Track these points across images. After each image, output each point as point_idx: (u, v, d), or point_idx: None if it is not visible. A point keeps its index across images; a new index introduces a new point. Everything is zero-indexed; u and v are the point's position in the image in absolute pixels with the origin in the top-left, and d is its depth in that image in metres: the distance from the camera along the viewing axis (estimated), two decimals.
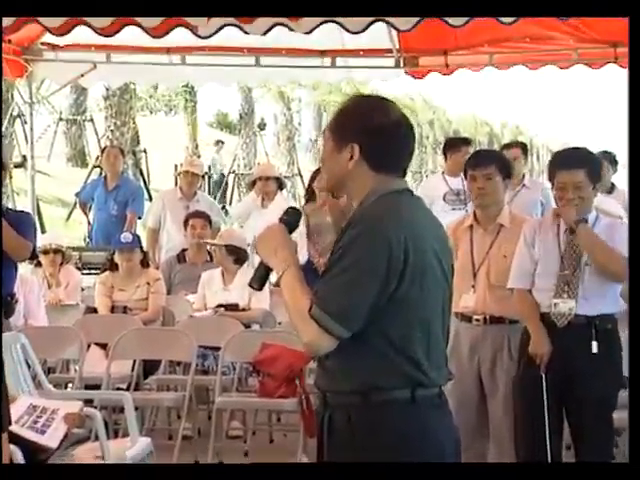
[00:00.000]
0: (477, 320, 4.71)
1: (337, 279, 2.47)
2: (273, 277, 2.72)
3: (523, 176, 7.48)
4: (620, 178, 6.94)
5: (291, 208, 2.77)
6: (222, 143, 24.01)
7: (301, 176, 21.08)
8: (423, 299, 2.52)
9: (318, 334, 2.47)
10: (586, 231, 4.34)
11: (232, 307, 6.63)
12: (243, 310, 6.60)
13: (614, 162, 7.49)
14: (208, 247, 7.43)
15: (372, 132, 2.57)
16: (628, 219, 3.02)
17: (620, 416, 4.99)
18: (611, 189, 7.32)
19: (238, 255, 6.79)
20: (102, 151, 9.60)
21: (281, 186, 8.12)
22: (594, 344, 4.32)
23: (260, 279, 2.68)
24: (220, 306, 6.60)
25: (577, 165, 4.35)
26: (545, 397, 4.34)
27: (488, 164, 4.73)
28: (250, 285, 2.72)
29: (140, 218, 8.84)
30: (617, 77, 7.80)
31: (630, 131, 2.99)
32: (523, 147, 7.69)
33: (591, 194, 4.40)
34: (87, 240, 9.30)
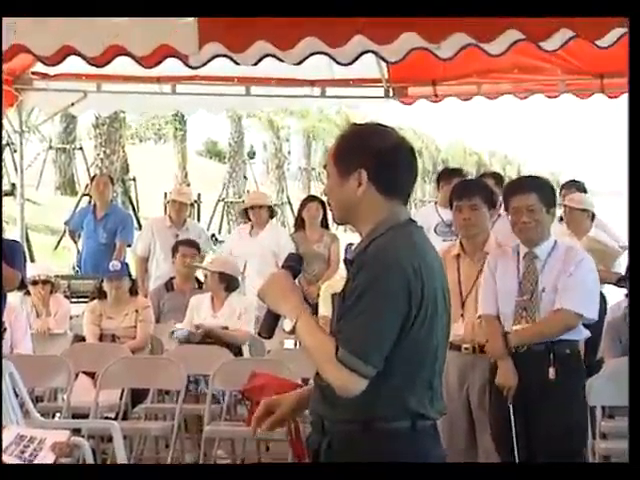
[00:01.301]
0: (466, 349, 4.73)
1: (361, 319, 2.46)
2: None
3: (500, 205, 7.54)
4: (595, 206, 7.00)
5: (293, 254, 2.79)
6: (246, 179, 23.85)
7: (290, 204, 21.15)
8: (431, 332, 2.54)
9: (349, 377, 2.45)
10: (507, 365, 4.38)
11: (223, 329, 6.61)
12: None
13: (583, 190, 7.62)
14: (198, 273, 7.44)
15: (377, 155, 2.59)
16: (628, 219, 3.03)
17: (607, 446, 5.01)
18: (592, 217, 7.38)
19: (229, 283, 6.79)
20: (91, 179, 9.60)
21: (272, 214, 8.15)
22: (551, 370, 4.32)
23: (270, 327, 2.66)
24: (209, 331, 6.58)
25: (528, 189, 4.44)
26: (514, 429, 4.34)
27: (473, 195, 4.79)
28: (259, 334, 2.72)
29: (130, 246, 8.83)
30: (604, 107, 7.90)
31: (630, 132, 3.02)
32: (497, 177, 7.75)
33: (546, 219, 4.46)
34: (76, 268, 9.28)
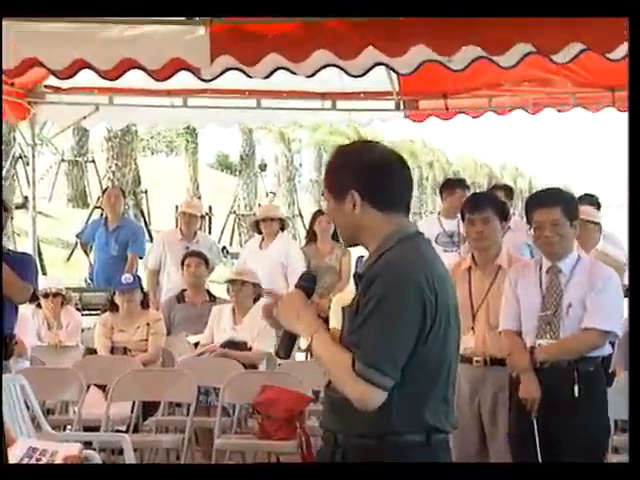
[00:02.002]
0: (477, 361, 4.72)
1: (377, 331, 2.46)
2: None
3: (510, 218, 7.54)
4: (606, 219, 6.97)
5: (306, 273, 2.78)
6: (273, 195, 23.75)
7: (301, 217, 21.14)
8: (444, 344, 2.53)
9: (368, 390, 2.45)
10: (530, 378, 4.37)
11: (241, 345, 6.60)
12: (250, 349, 6.59)
13: (597, 204, 7.57)
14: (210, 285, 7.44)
15: (365, 173, 2.58)
16: (628, 219, 3.02)
17: (620, 460, 4.98)
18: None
19: (258, 293, 6.81)
20: (103, 192, 9.62)
21: (283, 227, 8.15)
22: (576, 388, 4.30)
23: (287, 348, 2.67)
24: (228, 343, 6.58)
25: (552, 203, 4.39)
26: (537, 442, 4.32)
27: (485, 208, 4.77)
28: (277, 355, 2.73)
29: (141, 258, 8.84)
30: (615, 120, 7.88)
31: (630, 133, 3.01)
32: (507, 189, 7.74)
33: (570, 232, 4.42)
34: (88, 281, 9.30)
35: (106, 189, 9.73)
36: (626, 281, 6.22)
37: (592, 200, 7.59)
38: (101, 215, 10.61)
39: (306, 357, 6.52)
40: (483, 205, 4.81)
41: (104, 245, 8.79)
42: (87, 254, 9.33)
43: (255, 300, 6.79)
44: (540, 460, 4.30)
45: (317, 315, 2.61)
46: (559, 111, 8.21)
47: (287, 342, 2.65)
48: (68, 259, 16.03)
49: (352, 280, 2.71)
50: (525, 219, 4.59)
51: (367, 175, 2.58)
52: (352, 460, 2.54)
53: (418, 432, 2.51)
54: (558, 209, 4.37)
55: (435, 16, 4.59)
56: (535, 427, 4.33)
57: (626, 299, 5.61)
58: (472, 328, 4.73)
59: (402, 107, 8.44)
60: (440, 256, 2.69)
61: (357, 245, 2.70)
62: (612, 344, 4.80)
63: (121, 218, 8.94)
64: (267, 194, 23.48)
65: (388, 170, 2.61)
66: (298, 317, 2.58)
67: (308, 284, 2.69)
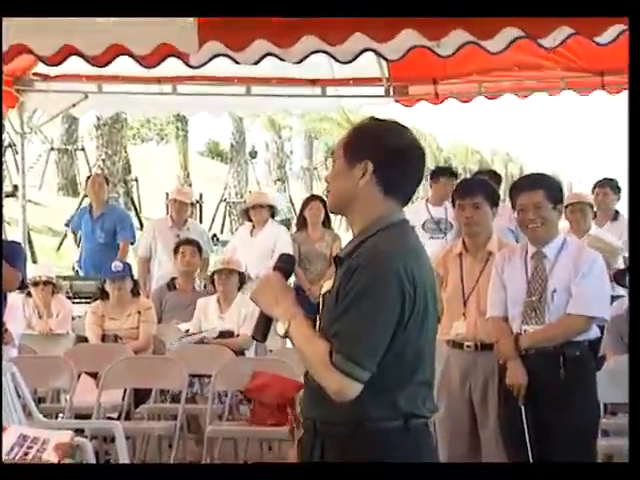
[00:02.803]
0: (468, 347, 4.73)
1: (356, 323, 2.44)
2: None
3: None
4: (623, 205, 6.91)
5: (284, 254, 2.74)
6: (282, 182, 23.56)
7: (292, 204, 21.12)
8: (421, 332, 2.53)
9: (345, 382, 2.44)
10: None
11: (227, 334, 6.63)
12: (238, 337, 6.61)
13: (617, 189, 7.49)
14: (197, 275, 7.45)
15: (387, 152, 2.56)
16: (628, 219, 3.02)
17: (609, 443, 5.00)
18: (615, 216, 7.35)
19: (242, 281, 6.83)
20: (87, 179, 9.56)
21: (273, 214, 8.15)
22: (561, 372, 4.31)
23: (263, 331, 2.62)
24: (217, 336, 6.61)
25: (535, 186, 4.41)
26: (526, 428, 4.33)
27: (476, 193, 4.78)
28: (253, 337, 2.68)
29: (133, 244, 8.82)
30: (605, 103, 7.86)
31: (630, 133, 3.02)
32: (493, 175, 7.72)
33: (553, 215, 4.42)
34: (76, 268, 9.27)
35: (89, 177, 9.67)
36: (622, 265, 6.26)
37: (612, 184, 7.47)
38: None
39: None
40: (474, 191, 4.81)
41: (90, 233, 8.76)
42: (77, 242, 9.30)
43: (239, 289, 6.80)
44: (529, 445, 4.31)
45: (295, 300, 2.57)
46: (550, 95, 8.20)
47: (263, 325, 2.61)
48: (58, 248, 16.01)
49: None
50: (510, 204, 4.60)
51: (388, 155, 2.56)
52: (330, 448, 2.54)
53: (395, 418, 2.51)
54: (541, 192, 4.38)
55: (434, 16, 4.60)
56: (523, 413, 4.34)
57: (625, 292, 5.66)
58: (463, 314, 4.75)
59: (392, 93, 8.43)
60: (423, 244, 2.67)
61: (342, 215, 2.66)
62: (601, 328, 4.82)
63: (106, 205, 8.89)
64: (275, 182, 23.40)
65: (408, 159, 2.59)
66: (275, 301, 2.55)
67: (286, 265, 2.65)
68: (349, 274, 2.49)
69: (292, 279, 7.45)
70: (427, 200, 8.00)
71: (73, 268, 9.29)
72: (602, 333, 5.38)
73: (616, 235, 6.64)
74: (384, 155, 2.56)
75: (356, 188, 2.57)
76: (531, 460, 4.31)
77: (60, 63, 5.39)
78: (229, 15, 4.78)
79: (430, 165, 41.48)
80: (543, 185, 4.42)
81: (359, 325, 2.44)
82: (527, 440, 4.32)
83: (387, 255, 2.49)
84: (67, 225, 9.27)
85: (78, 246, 9.07)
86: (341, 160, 2.60)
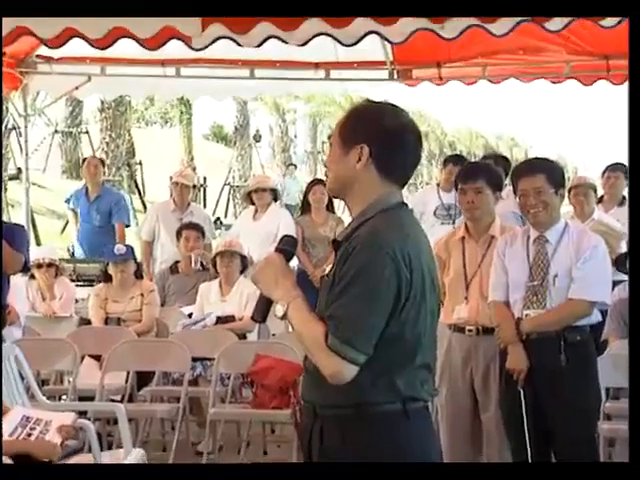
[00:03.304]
0: (470, 331, 4.73)
1: (351, 306, 2.45)
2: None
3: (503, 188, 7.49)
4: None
5: (286, 236, 2.73)
6: (294, 167, 23.38)
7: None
8: (418, 315, 2.53)
9: (341, 365, 2.45)
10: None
11: (229, 319, 6.65)
12: (241, 319, 6.62)
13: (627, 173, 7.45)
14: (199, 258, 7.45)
15: (383, 135, 2.56)
16: (628, 219, 3.02)
17: (612, 427, 5.01)
18: (622, 201, 7.33)
19: (244, 264, 6.84)
20: (82, 162, 9.56)
21: (276, 197, 8.14)
22: (562, 357, 4.31)
23: (263, 312, 2.63)
24: (217, 319, 6.62)
25: (535, 171, 4.40)
26: (524, 413, 4.34)
27: (477, 178, 4.76)
28: (253, 318, 2.70)
29: (128, 226, 8.83)
30: (609, 93, 7.82)
31: (630, 133, 3.01)
32: (500, 159, 7.67)
33: (555, 200, 4.41)
34: (71, 250, 9.26)
35: (85, 159, 9.67)
36: (624, 249, 6.25)
37: (624, 169, 7.43)
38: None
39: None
40: (475, 175, 4.80)
41: (86, 215, 8.78)
42: (75, 222, 9.25)
43: (241, 272, 6.81)
44: (528, 430, 4.31)
45: (295, 282, 2.58)
46: (553, 82, 8.17)
47: (263, 306, 2.62)
48: (62, 231, 16.01)
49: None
50: (513, 190, 4.59)
51: (384, 137, 2.56)
52: (330, 432, 2.54)
53: (393, 402, 2.51)
54: (542, 177, 4.37)
55: (438, 16, 4.58)
56: (523, 398, 4.35)
57: (626, 278, 5.64)
58: (465, 298, 4.75)
59: (396, 76, 8.41)
60: (421, 227, 2.68)
61: (341, 199, 2.66)
62: (603, 312, 4.81)
63: (101, 188, 8.88)
64: (288, 166, 23.30)
65: (404, 141, 2.59)
66: (275, 283, 2.56)
67: (288, 247, 2.66)
68: (345, 257, 2.49)
69: (296, 263, 7.45)
70: (438, 185, 7.99)
71: (68, 250, 9.27)
72: (604, 318, 5.38)
73: (622, 220, 6.62)
74: (380, 138, 2.56)
75: (353, 172, 2.57)
76: (529, 444, 4.32)
77: (61, 45, 5.37)
78: (230, 15, 4.77)
79: (434, 149, 41.38)
80: (544, 169, 4.41)
81: (354, 307, 2.45)
82: (526, 424, 4.32)
83: (383, 237, 2.49)
84: (67, 202, 9.23)
85: (76, 224, 9.05)
86: (338, 144, 2.61)
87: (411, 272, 2.48)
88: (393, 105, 2.65)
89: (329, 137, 2.69)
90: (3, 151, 16.98)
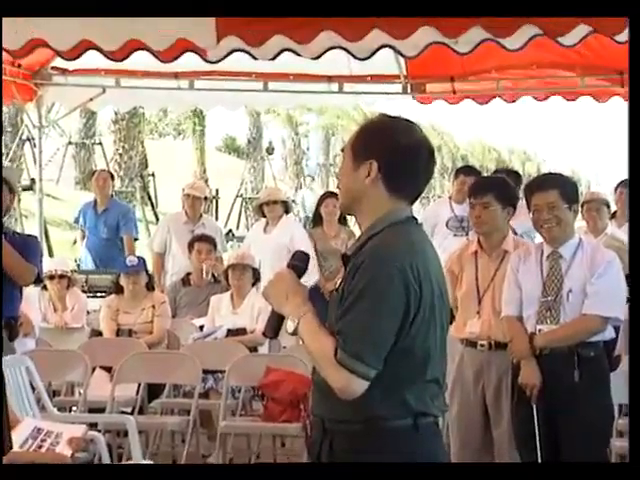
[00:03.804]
0: (482, 345, 4.71)
1: (360, 320, 2.44)
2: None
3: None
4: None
5: (298, 252, 2.72)
6: (312, 178, 23.44)
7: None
8: (428, 330, 2.52)
9: (350, 379, 2.44)
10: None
11: (240, 331, 6.64)
12: (252, 333, 6.61)
13: None
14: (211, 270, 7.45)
15: (393, 151, 2.55)
16: (628, 219, 3.00)
17: (624, 444, 4.96)
18: None
19: (256, 277, 6.83)
20: (91, 175, 9.61)
21: (287, 210, 8.13)
22: (575, 373, 4.29)
23: (274, 328, 2.63)
24: (228, 332, 6.62)
25: (549, 186, 4.38)
26: (536, 429, 4.31)
27: (485, 193, 4.75)
28: (264, 334, 2.70)
29: (136, 239, 8.85)
30: (623, 107, 7.80)
31: (630, 132, 3.00)
32: (513, 174, 7.64)
33: (569, 216, 4.39)
34: (77, 262, 9.28)
35: (94, 172, 9.71)
36: None
37: None
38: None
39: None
40: (483, 190, 4.79)
41: (94, 228, 8.81)
42: (82, 238, 9.25)
43: (253, 284, 6.81)
44: (541, 445, 4.29)
45: (307, 298, 2.57)
46: (567, 100, 8.16)
47: (274, 322, 2.61)
48: (75, 242, 16.05)
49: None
50: (526, 205, 4.57)
51: (394, 154, 2.55)
52: (339, 447, 2.53)
53: (404, 417, 2.50)
54: (555, 192, 4.35)
55: (443, 16, 4.58)
56: (535, 413, 4.32)
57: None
58: (478, 312, 4.73)
59: (409, 90, 8.41)
60: (431, 241, 2.67)
61: (351, 214, 2.65)
62: (616, 328, 4.79)
63: (109, 200, 8.92)
64: (305, 177, 23.32)
65: (415, 158, 2.57)
66: (286, 298, 2.56)
67: (300, 263, 2.65)
68: (353, 271, 2.49)
69: (314, 277, 7.40)
70: (450, 198, 7.99)
71: (75, 261, 9.30)
72: (617, 334, 5.35)
73: None
74: (390, 154, 2.55)
75: (362, 187, 2.57)
76: (540, 461, 4.29)
77: (77, 57, 5.39)
78: (246, 15, 4.77)
79: (447, 163, 41.39)
80: (557, 185, 4.39)
81: (363, 322, 2.44)
82: (538, 440, 4.30)
83: (390, 252, 2.48)
84: (76, 222, 9.30)
85: (82, 240, 9.09)
86: (349, 158, 2.60)
87: (420, 286, 2.48)
88: (407, 121, 2.63)
89: (342, 149, 2.69)
90: (17, 162, 17.06)
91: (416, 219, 2.63)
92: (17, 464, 2.47)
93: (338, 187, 2.69)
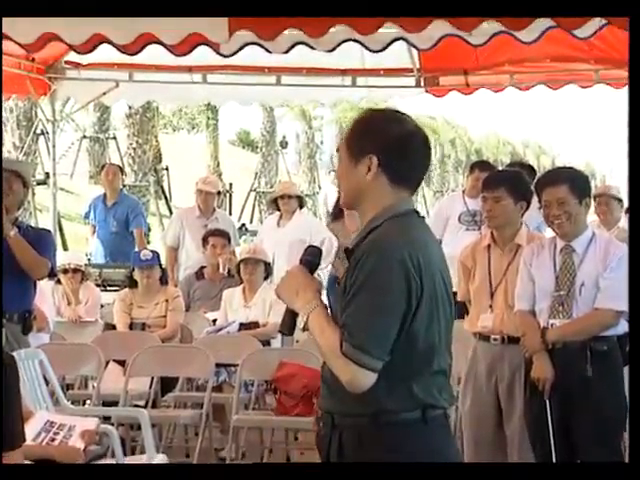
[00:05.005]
0: (495, 339, 4.70)
1: (363, 312, 2.45)
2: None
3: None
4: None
5: (311, 247, 2.71)
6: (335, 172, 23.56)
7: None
8: (433, 322, 2.52)
9: (357, 372, 2.44)
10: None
11: (252, 325, 6.65)
12: (264, 326, 6.62)
13: None
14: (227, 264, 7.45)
15: (390, 143, 2.56)
16: (628, 219, 2.99)
17: None
18: None
19: (268, 271, 6.84)
20: (101, 169, 9.63)
21: (302, 205, 8.12)
22: (588, 367, 4.27)
23: (289, 325, 2.63)
24: (241, 325, 6.62)
25: (559, 181, 4.35)
26: (549, 423, 4.29)
27: (497, 186, 4.73)
28: (280, 331, 2.71)
29: (147, 234, 8.85)
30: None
31: (630, 133, 2.98)
32: (526, 167, 7.60)
33: (579, 210, 4.37)
34: (88, 256, 9.30)
35: (104, 166, 9.73)
36: None
37: None
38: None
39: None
40: (495, 184, 4.77)
41: (103, 222, 8.83)
42: (92, 234, 9.27)
43: (265, 278, 6.81)
44: (553, 440, 4.28)
45: (318, 292, 2.57)
46: (582, 87, 8.11)
47: (288, 319, 2.61)
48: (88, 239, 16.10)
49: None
50: (538, 200, 4.54)
51: (391, 145, 2.56)
52: (348, 441, 2.53)
53: (412, 410, 2.50)
54: (565, 187, 4.32)
55: (448, 16, 4.57)
56: (548, 407, 4.31)
57: None
58: (490, 306, 4.72)
59: (422, 84, 8.38)
60: (434, 235, 2.67)
61: (354, 210, 2.65)
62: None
63: (119, 194, 8.94)
64: (329, 172, 23.31)
65: (412, 146, 2.59)
66: (297, 295, 2.56)
67: (312, 258, 2.64)
68: (355, 264, 2.50)
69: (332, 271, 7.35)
70: (464, 192, 7.96)
71: (86, 254, 9.33)
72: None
73: None
74: (387, 146, 2.56)
75: (364, 183, 2.58)
76: (554, 455, 4.28)
77: (90, 51, 5.41)
78: (258, 15, 4.77)
79: (461, 156, 41.28)
80: (567, 180, 4.36)
81: (365, 313, 2.44)
82: (551, 435, 4.29)
83: (390, 244, 2.49)
84: (86, 217, 9.32)
85: (92, 235, 9.11)
86: (346, 157, 2.61)
87: (421, 277, 2.48)
88: (397, 111, 2.66)
89: (337, 149, 2.69)
90: (32, 156, 17.11)
91: (418, 212, 2.64)
92: (17, 464, 2.46)
93: (338, 186, 2.70)
